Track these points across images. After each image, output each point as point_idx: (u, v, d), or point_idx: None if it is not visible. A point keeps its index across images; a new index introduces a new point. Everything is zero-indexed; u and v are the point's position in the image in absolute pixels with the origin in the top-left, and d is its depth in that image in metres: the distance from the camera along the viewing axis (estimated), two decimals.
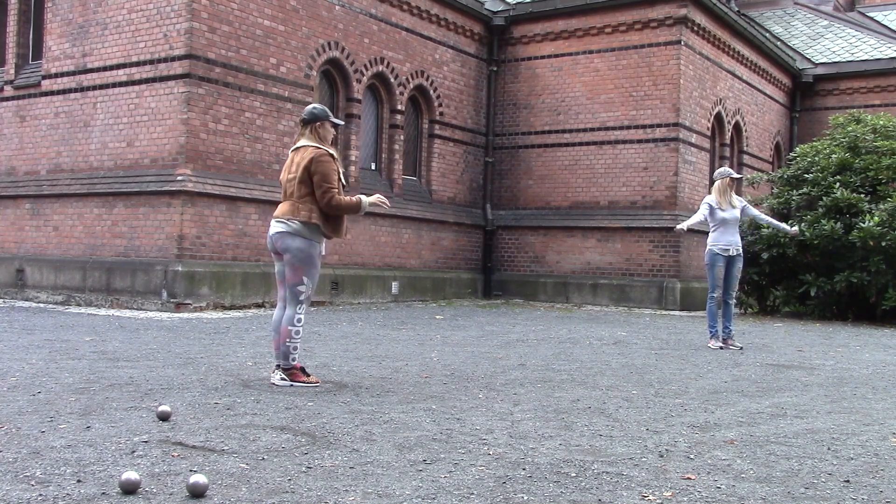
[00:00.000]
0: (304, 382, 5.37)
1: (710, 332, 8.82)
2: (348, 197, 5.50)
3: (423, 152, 15.35)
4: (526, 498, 3.04)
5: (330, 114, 5.64)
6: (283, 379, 5.39)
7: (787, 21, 21.79)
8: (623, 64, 15.29)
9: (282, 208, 5.49)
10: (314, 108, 5.64)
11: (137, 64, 11.44)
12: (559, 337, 9.34)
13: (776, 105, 19.29)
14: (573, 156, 15.75)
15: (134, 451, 3.52)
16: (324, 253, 5.64)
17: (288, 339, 5.43)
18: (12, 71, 13.14)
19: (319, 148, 5.48)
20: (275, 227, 5.48)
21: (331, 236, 5.53)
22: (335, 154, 5.59)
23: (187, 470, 3.24)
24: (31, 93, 12.75)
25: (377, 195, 5.65)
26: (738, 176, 9.04)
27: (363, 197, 5.53)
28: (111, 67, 11.72)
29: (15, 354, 6.50)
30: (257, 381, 5.52)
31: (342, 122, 6.70)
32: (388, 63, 14.11)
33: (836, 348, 9.10)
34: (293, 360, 5.44)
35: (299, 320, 5.45)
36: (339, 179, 5.51)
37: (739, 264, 8.93)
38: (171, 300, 10.71)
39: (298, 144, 5.55)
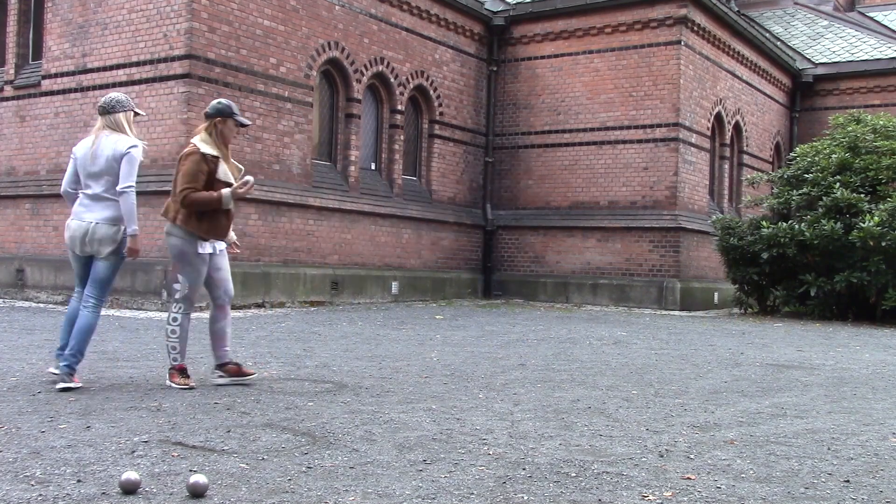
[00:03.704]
0: (177, 384, 5.16)
1: None
2: (208, 193, 5.17)
3: (423, 152, 15.34)
4: (526, 498, 3.04)
5: (235, 111, 5.42)
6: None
7: (787, 21, 21.79)
8: (623, 64, 15.29)
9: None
10: (219, 102, 5.42)
11: (137, 64, 11.44)
12: (559, 337, 9.34)
13: (776, 105, 19.28)
14: (573, 156, 15.75)
15: (134, 451, 3.52)
16: (216, 252, 5.38)
17: (166, 339, 5.32)
18: (12, 71, 13.14)
19: (193, 145, 5.29)
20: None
21: (206, 238, 5.27)
22: (215, 153, 5.28)
23: (187, 470, 3.24)
24: (31, 93, 12.74)
25: (244, 179, 5.24)
26: None
27: (225, 190, 5.19)
28: (111, 67, 11.72)
29: (15, 354, 6.50)
30: (257, 380, 5.52)
31: (249, 123, 5.95)
32: (388, 63, 14.11)
33: (836, 348, 9.10)
34: (174, 360, 5.26)
35: (174, 319, 5.29)
36: (220, 179, 5.22)
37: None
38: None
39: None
